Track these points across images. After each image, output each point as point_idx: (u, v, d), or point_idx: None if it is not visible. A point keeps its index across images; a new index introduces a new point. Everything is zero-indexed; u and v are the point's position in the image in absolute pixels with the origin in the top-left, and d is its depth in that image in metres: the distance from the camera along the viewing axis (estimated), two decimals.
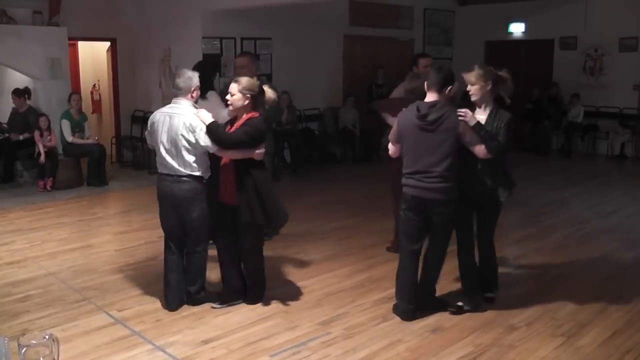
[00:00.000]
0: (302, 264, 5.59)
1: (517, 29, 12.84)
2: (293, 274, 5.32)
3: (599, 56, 11.83)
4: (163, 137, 4.35)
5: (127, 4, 10.30)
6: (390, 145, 4.43)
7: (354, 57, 11.71)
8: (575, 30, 11.94)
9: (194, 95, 4.45)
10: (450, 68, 4.28)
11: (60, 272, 5.36)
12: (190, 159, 4.32)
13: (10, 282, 5.12)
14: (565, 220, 7.14)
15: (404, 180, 4.25)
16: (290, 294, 4.87)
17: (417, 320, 4.34)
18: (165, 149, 4.35)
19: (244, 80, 4.36)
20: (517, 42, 12.90)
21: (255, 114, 4.38)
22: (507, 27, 12.89)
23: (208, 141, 4.25)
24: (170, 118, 4.34)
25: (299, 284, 5.08)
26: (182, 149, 4.29)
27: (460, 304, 4.45)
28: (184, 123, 4.27)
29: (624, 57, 11.45)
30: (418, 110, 4.13)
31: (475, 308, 4.44)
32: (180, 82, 4.40)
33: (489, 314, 4.40)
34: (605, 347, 3.98)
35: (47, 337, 2.13)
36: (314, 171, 10.21)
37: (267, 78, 9.82)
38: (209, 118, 4.30)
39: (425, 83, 4.22)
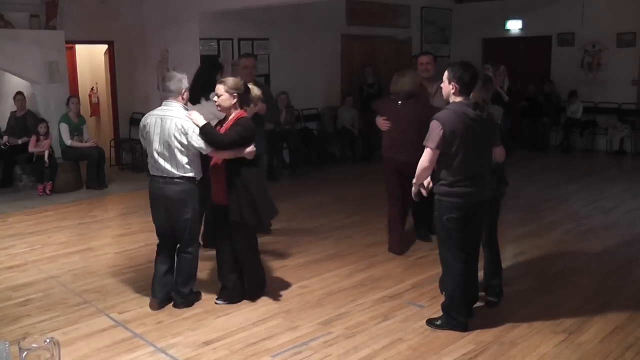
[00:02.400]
0: (302, 264, 5.59)
1: (514, 26, 12.84)
2: (293, 274, 5.32)
3: (597, 52, 11.83)
4: (155, 140, 4.39)
5: (125, 7, 10.29)
6: (428, 156, 4.00)
7: (352, 57, 11.70)
8: (573, 27, 11.94)
9: (185, 97, 4.49)
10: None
11: (61, 275, 5.36)
12: (184, 160, 4.35)
13: (11, 286, 5.12)
14: (566, 216, 7.14)
15: (455, 190, 4.00)
16: (291, 294, 4.88)
17: (418, 319, 4.35)
18: (157, 151, 4.39)
19: (230, 80, 4.42)
20: (515, 39, 12.91)
21: (243, 113, 4.43)
22: (504, 24, 12.90)
23: (202, 143, 4.28)
24: (162, 121, 4.38)
25: (300, 284, 5.08)
26: (175, 150, 4.33)
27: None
28: (175, 125, 4.31)
29: (622, 52, 11.45)
30: (466, 113, 3.97)
31: None
32: (171, 84, 4.42)
33: (490, 312, 4.40)
34: (607, 343, 3.98)
35: (48, 340, 2.13)
36: (313, 171, 10.21)
37: (265, 79, 9.82)
38: (201, 120, 4.31)
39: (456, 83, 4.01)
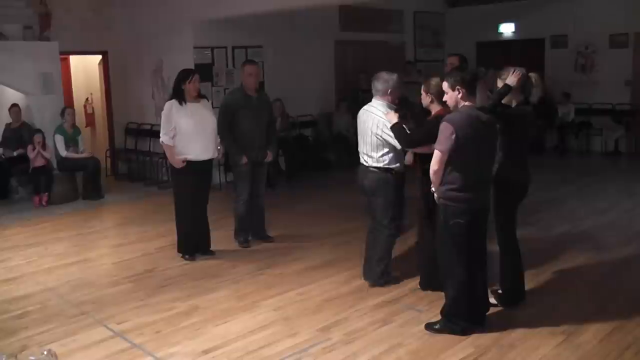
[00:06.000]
0: (300, 270, 5.59)
1: (507, 29, 12.90)
2: (291, 280, 5.32)
3: (590, 53, 11.89)
4: (359, 132, 4.96)
5: (118, 17, 10.30)
6: (438, 159, 3.99)
7: (345, 63, 11.73)
8: (566, 29, 12.00)
9: (391, 96, 4.85)
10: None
11: (58, 287, 5.34)
12: (378, 152, 4.80)
13: (8, 299, 5.10)
14: (562, 218, 7.15)
15: (463, 194, 3.97)
16: (289, 300, 4.87)
17: (417, 323, 4.34)
18: (359, 143, 4.97)
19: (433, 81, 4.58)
20: (508, 42, 12.94)
21: (442, 111, 4.45)
22: (497, 27, 12.96)
23: (394, 139, 4.65)
24: (365, 115, 4.90)
25: (298, 290, 5.07)
26: (370, 143, 4.83)
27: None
28: (373, 120, 4.79)
29: (615, 53, 11.51)
30: (478, 117, 3.96)
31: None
32: (378, 84, 4.85)
33: (489, 314, 4.40)
34: (605, 343, 3.99)
35: (46, 352, 2.13)
36: (309, 178, 10.21)
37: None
38: (393, 119, 4.63)
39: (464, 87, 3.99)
